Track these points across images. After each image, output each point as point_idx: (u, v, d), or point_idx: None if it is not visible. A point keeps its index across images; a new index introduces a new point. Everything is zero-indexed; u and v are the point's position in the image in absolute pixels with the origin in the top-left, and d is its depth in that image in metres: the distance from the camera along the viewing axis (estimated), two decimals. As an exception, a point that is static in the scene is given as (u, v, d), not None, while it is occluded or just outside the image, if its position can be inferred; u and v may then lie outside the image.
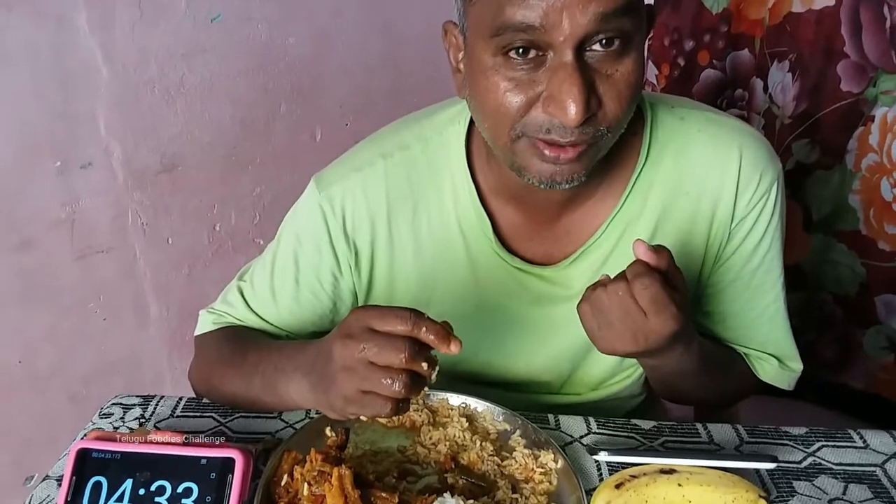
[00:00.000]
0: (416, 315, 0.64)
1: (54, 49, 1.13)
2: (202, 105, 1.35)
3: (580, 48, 0.65)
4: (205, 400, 0.89)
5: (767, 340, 0.91)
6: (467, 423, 0.80)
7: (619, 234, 0.84)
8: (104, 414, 0.87)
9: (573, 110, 0.64)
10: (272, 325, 0.91)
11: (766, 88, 1.75)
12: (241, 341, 0.88)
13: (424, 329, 0.64)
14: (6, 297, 1.18)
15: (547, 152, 0.70)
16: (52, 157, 1.17)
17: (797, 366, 0.92)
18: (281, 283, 0.90)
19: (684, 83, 1.88)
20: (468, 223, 0.85)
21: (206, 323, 0.93)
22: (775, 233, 0.86)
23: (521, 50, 0.66)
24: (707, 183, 0.83)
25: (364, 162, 0.85)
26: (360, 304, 0.91)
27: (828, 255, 1.75)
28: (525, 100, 0.68)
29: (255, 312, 0.91)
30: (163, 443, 0.73)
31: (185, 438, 0.74)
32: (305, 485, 0.66)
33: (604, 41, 0.65)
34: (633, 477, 0.70)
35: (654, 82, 2.01)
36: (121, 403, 0.89)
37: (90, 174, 1.23)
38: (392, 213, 0.85)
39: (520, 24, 0.63)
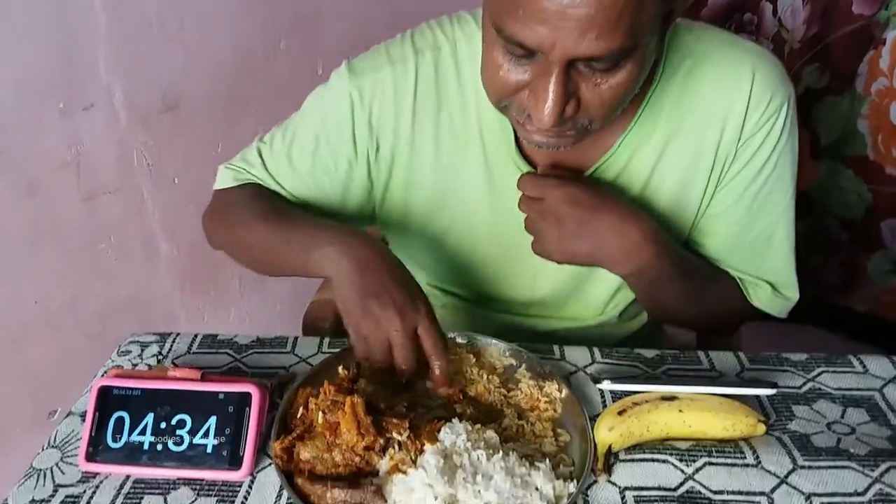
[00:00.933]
0: (443, 352, 0.74)
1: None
2: (202, 43, 1.33)
3: (571, 62, 0.66)
4: (219, 336, 0.91)
5: (763, 266, 0.92)
6: (475, 360, 0.81)
7: (630, 152, 0.85)
8: (122, 352, 0.90)
9: (546, 117, 0.68)
10: (285, 189, 0.92)
11: (775, 12, 1.71)
12: (275, 202, 0.90)
13: (438, 366, 0.74)
14: (18, 241, 1.20)
15: (533, 133, 0.74)
16: (54, 100, 1.17)
17: (792, 294, 0.93)
18: (298, 156, 0.91)
19: (693, 7, 1.83)
20: (490, 131, 0.86)
21: (226, 178, 0.96)
22: (781, 155, 0.85)
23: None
24: (718, 102, 0.83)
25: (397, 56, 0.86)
26: (374, 202, 0.94)
27: (835, 180, 1.75)
28: (514, 83, 0.71)
29: (271, 175, 0.93)
30: (181, 379, 0.76)
31: (203, 374, 0.77)
32: (320, 413, 0.69)
33: (594, 64, 0.67)
34: (636, 404, 0.73)
35: (662, 7, 1.97)
36: (138, 341, 0.91)
37: (93, 116, 1.22)
38: (417, 112, 0.86)
39: (515, 39, 0.66)
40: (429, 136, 0.87)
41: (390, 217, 0.95)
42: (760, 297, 0.93)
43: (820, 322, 1.82)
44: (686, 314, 0.92)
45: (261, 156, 0.94)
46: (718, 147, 0.84)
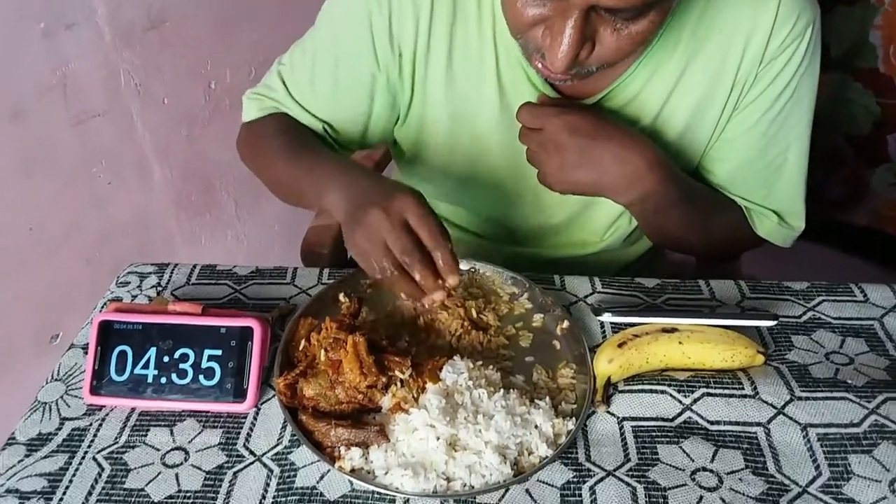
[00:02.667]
0: (442, 239, 0.69)
1: None
2: (186, -48, 1.27)
3: (593, 6, 0.63)
4: (219, 267, 0.90)
5: (771, 193, 0.91)
6: (479, 291, 0.81)
7: (649, 73, 0.82)
8: (121, 282, 0.89)
9: (559, 61, 0.66)
10: (311, 113, 0.91)
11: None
12: (296, 138, 0.89)
13: (440, 255, 0.68)
14: (9, 169, 1.17)
15: (542, 69, 0.72)
16: (34, 20, 1.11)
17: (798, 223, 0.92)
18: (321, 77, 0.90)
19: None
20: (505, 45, 0.83)
21: (251, 109, 0.94)
22: (802, 79, 0.83)
23: None
24: (742, 20, 0.79)
25: None
26: (397, 117, 0.92)
27: (843, 93, 1.71)
28: (531, 17, 0.68)
29: (294, 99, 0.91)
30: (182, 313, 0.76)
31: (204, 308, 0.77)
32: (322, 351, 0.69)
33: (619, 12, 0.64)
34: (636, 336, 0.73)
35: None
36: (136, 272, 0.91)
37: (76, 35, 1.17)
38: (434, 20, 0.83)
39: None
40: (443, 47, 0.84)
41: (408, 133, 0.93)
42: (766, 228, 0.92)
43: (818, 237, 1.82)
44: (689, 242, 0.91)
45: (283, 80, 0.92)
46: (739, 69, 0.81)
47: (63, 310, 1.33)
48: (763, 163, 0.88)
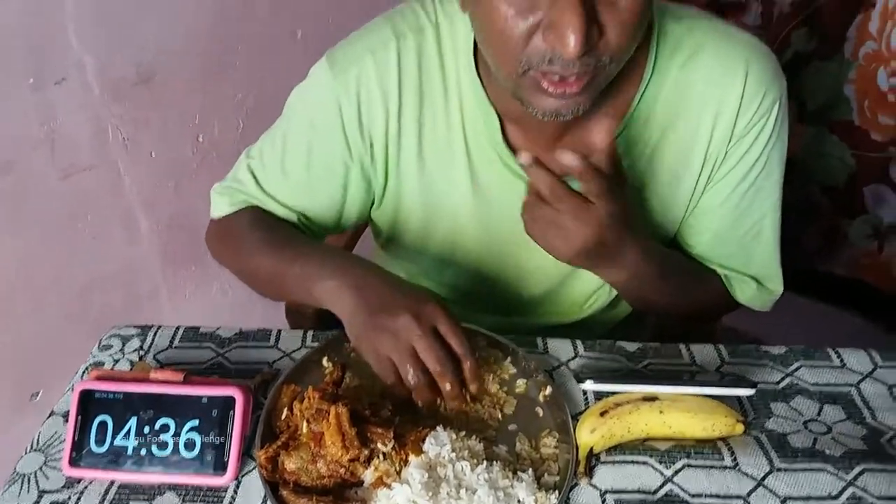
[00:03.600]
0: (471, 349, 0.70)
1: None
2: (176, 9, 1.28)
3: None
4: (202, 330, 0.90)
5: (749, 261, 0.92)
6: None
7: (625, 145, 0.83)
8: (103, 346, 0.89)
9: (572, 41, 0.63)
10: (283, 204, 0.90)
11: (765, -27, 1.68)
12: (273, 231, 0.87)
13: (469, 365, 0.70)
14: (-5, 221, 1.17)
15: (551, 89, 0.69)
16: (24, 74, 1.12)
17: (777, 287, 0.94)
18: (293, 166, 0.88)
19: (683, -34, 1.79)
20: (472, 125, 0.83)
21: (221, 204, 0.92)
22: (771, 154, 0.85)
23: None
24: (710, 98, 0.81)
25: (378, 43, 0.82)
26: (372, 202, 0.92)
27: (819, 146, 1.75)
28: (527, 28, 0.66)
29: (265, 192, 0.90)
30: (164, 381, 0.76)
31: (185, 376, 0.76)
32: (305, 423, 0.69)
33: None
34: (617, 405, 0.74)
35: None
36: (119, 335, 0.90)
37: (65, 90, 1.18)
38: (402, 102, 0.83)
39: None
40: (412, 131, 0.85)
41: (383, 216, 0.93)
42: (746, 294, 0.93)
43: (799, 288, 1.84)
44: (670, 310, 0.93)
45: (252, 173, 0.91)
46: (709, 146, 0.83)
47: (44, 366, 1.32)
48: (739, 233, 0.90)
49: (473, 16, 0.72)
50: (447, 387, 0.69)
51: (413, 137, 0.85)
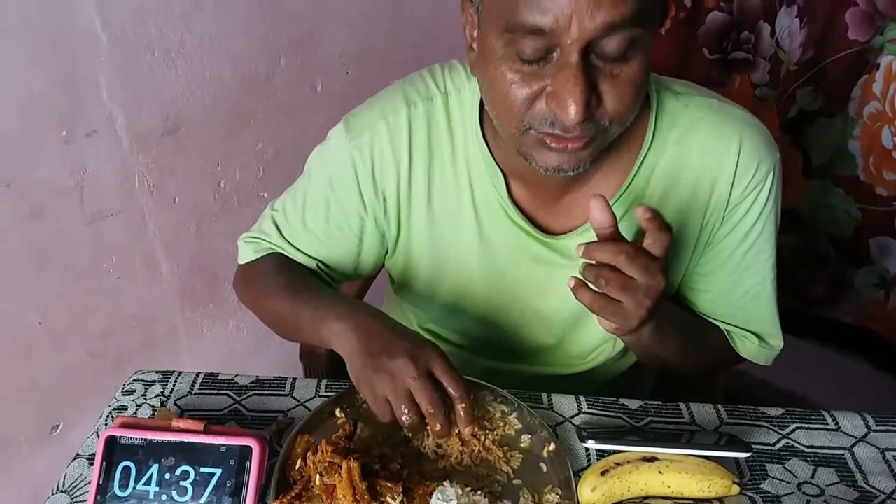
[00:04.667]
0: (465, 392, 0.74)
1: (52, 17, 1.12)
2: (202, 64, 1.35)
3: (586, 49, 0.67)
4: (220, 377, 0.94)
5: (750, 318, 0.96)
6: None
7: (621, 213, 0.87)
8: (126, 391, 0.93)
9: (573, 110, 0.68)
10: (304, 253, 0.97)
11: (773, 33, 1.72)
12: (293, 275, 0.94)
13: (462, 408, 0.74)
14: (22, 264, 1.22)
15: (554, 144, 0.73)
16: (58, 126, 1.18)
17: (777, 343, 0.97)
18: (312, 220, 0.95)
19: (690, 24, 1.85)
20: (480, 183, 0.88)
21: (247, 252, 1.00)
22: (768, 218, 0.89)
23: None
24: (706, 169, 0.85)
25: (390, 109, 0.89)
26: (386, 250, 0.98)
27: (825, 199, 1.78)
28: (530, 93, 0.71)
29: (288, 242, 0.97)
30: (185, 430, 0.79)
31: (205, 426, 0.80)
32: (317, 476, 0.73)
33: (610, 46, 0.67)
34: (618, 464, 0.77)
35: (660, 23, 1.98)
36: (141, 380, 0.94)
37: (96, 141, 1.24)
38: (413, 164, 0.89)
39: (531, 26, 0.66)
40: (422, 188, 0.90)
41: (396, 265, 0.99)
42: (748, 349, 0.97)
43: (804, 333, 1.87)
44: (678, 365, 0.96)
45: (276, 225, 0.98)
46: (706, 213, 0.87)
47: (65, 400, 1.37)
48: (739, 293, 0.93)
49: (481, 80, 0.78)
50: (437, 427, 0.73)
51: (423, 193, 0.90)
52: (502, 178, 0.87)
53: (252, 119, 1.48)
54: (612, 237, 0.75)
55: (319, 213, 0.95)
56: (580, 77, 0.67)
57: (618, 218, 0.85)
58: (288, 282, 0.93)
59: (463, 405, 0.74)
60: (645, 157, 0.85)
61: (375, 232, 0.95)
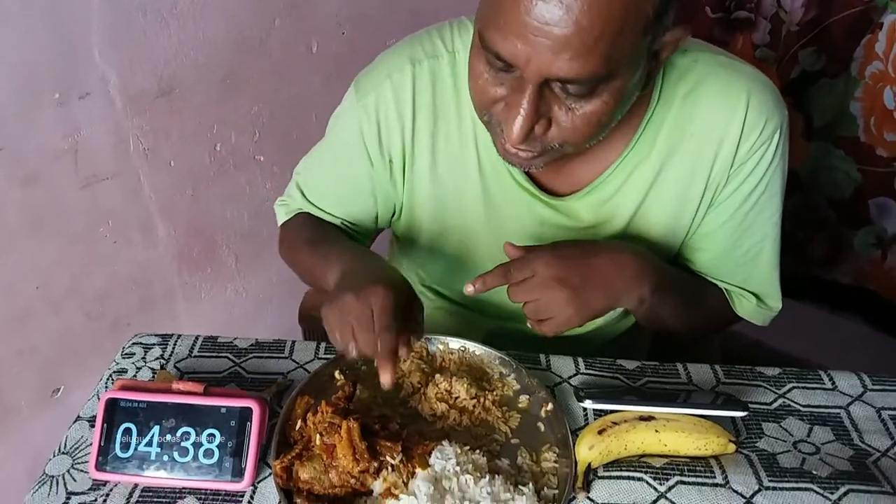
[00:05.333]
0: (385, 329, 0.71)
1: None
2: (195, 25, 1.32)
3: (545, 81, 0.68)
4: (220, 339, 0.94)
5: (749, 278, 0.96)
6: (467, 380, 0.84)
7: (626, 174, 0.87)
8: (126, 354, 0.93)
9: (514, 132, 0.70)
10: (327, 212, 1.00)
11: (774, -8, 1.70)
12: (318, 231, 0.98)
13: (381, 340, 0.71)
14: (19, 229, 1.21)
15: (505, 144, 0.76)
16: (50, 89, 1.17)
17: (775, 304, 0.97)
18: (329, 181, 0.99)
19: (691, -16, 1.82)
20: (485, 143, 0.88)
21: (281, 213, 1.05)
22: (772, 177, 0.88)
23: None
24: (713, 126, 0.85)
25: (395, 67, 0.88)
26: (396, 210, 0.99)
27: (825, 160, 1.77)
28: (494, 95, 0.73)
29: (312, 204, 1.01)
30: (185, 392, 0.80)
31: (206, 388, 0.81)
32: (318, 436, 0.73)
33: (569, 87, 0.68)
34: (615, 423, 0.77)
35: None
36: (141, 343, 0.94)
37: (89, 104, 1.22)
38: (416, 122, 0.89)
39: (494, 50, 0.68)
40: (426, 148, 0.90)
41: (400, 226, 1.01)
42: (745, 308, 0.97)
43: (803, 295, 1.88)
44: (678, 325, 0.96)
45: (300, 188, 1.02)
46: (711, 171, 0.86)
47: (64, 364, 1.37)
48: (740, 252, 0.93)
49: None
50: (352, 353, 0.73)
51: (427, 153, 0.90)
52: None
53: (247, 81, 1.46)
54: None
55: (334, 174, 0.98)
56: (529, 107, 0.69)
57: (621, 179, 0.87)
58: (311, 236, 0.97)
59: (382, 339, 0.71)
60: (652, 114, 0.84)
61: (385, 193, 0.96)
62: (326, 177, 1.00)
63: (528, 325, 0.83)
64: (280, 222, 1.06)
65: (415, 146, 0.90)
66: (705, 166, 0.87)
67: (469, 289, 0.80)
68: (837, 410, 0.84)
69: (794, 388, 0.87)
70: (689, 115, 0.85)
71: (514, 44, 0.65)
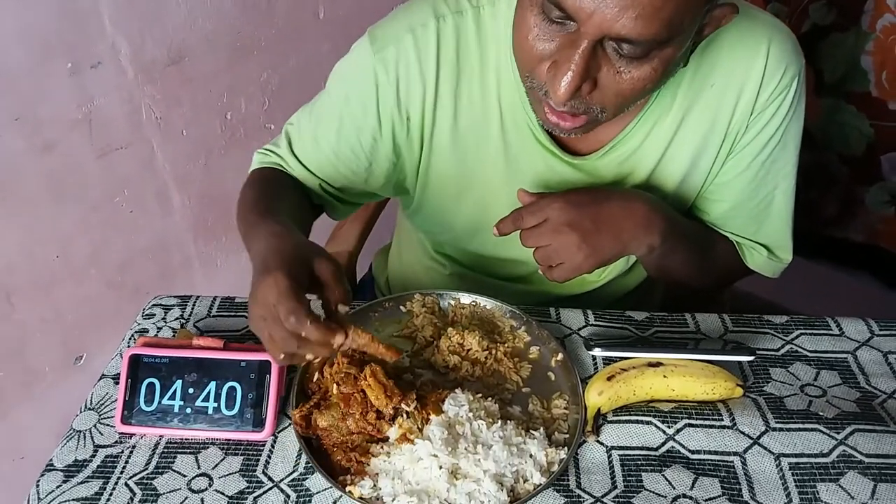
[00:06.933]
0: (288, 311, 0.65)
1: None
2: (203, -9, 1.33)
3: (602, 40, 0.67)
4: (237, 299, 0.97)
5: (761, 229, 0.96)
6: (478, 333, 0.85)
7: (648, 128, 0.87)
8: (146, 315, 0.95)
9: (562, 89, 0.69)
10: (309, 170, 0.94)
11: (785, -55, 1.68)
12: (269, 192, 0.91)
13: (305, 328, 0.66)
14: (38, 198, 1.24)
15: (548, 113, 0.75)
16: (62, 59, 1.18)
17: (786, 256, 0.98)
18: (324, 134, 0.93)
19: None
20: (508, 102, 0.87)
21: (255, 162, 0.99)
22: (789, 126, 0.88)
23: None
24: (733, 75, 0.85)
25: (417, 21, 0.85)
26: (400, 174, 0.95)
27: (837, 116, 1.76)
28: (543, 51, 0.71)
29: (296, 156, 0.95)
30: (205, 347, 0.82)
31: (225, 343, 0.83)
32: (335, 385, 0.75)
33: (625, 47, 0.67)
34: (623, 370, 0.79)
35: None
36: (161, 304, 0.97)
37: (101, 73, 1.24)
38: (440, 79, 0.86)
39: (557, 1, 0.65)
40: (448, 107, 0.88)
41: (413, 187, 0.97)
42: (756, 261, 0.98)
43: (814, 253, 1.88)
44: (688, 277, 0.97)
45: (288, 137, 0.96)
46: (731, 120, 0.87)
47: (87, 332, 1.40)
48: (754, 202, 0.93)
49: (515, 10, 0.76)
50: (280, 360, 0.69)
51: (449, 111, 0.88)
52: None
53: (255, 48, 1.47)
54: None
55: (332, 128, 0.92)
56: (580, 63, 0.67)
57: (642, 136, 0.87)
58: (256, 196, 0.88)
59: (292, 325, 0.66)
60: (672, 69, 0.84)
61: (389, 155, 0.92)
62: (322, 128, 0.92)
63: (539, 271, 0.84)
64: (250, 169, 0.98)
65: (437, 106, 0.88)
66: (725, 115, 0.87)
67: (495, 231, 0.83)
68: (844, 355, 0.85)
69: (801, 334, 0.88)
70: (710, 65, 0.85)
71: None
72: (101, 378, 0.87)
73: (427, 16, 0.85)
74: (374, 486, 0.69)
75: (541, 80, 0.72)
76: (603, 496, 0.70)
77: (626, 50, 0.67)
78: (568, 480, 0.72)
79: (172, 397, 0.80)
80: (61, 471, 0.75)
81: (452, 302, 0.92)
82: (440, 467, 0.68)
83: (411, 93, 0.87)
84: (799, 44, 0.87)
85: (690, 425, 0.76)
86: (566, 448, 0.73)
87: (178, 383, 0.80)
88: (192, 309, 0.96)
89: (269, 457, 0.76)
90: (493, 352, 0.84)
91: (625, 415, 0.78)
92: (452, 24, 0.85)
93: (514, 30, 0.74)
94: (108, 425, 0.80)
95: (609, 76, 0.70)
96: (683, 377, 0.78)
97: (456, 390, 0.77)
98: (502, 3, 0.84)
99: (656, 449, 0.75)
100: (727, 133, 0.88)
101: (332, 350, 0.68)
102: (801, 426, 0.76)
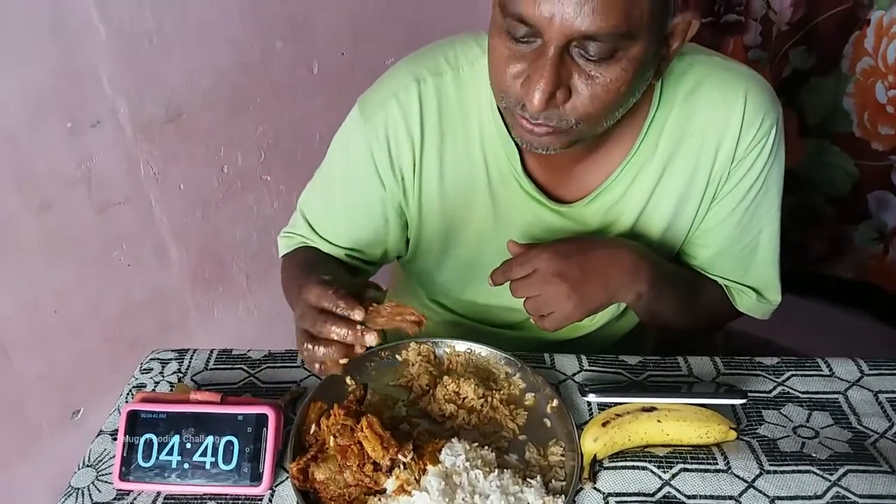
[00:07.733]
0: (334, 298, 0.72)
1: (51, 10, 1.15)
2: (200, 50, 1.36)
3: (567, 45, 0.70)
4: (234, 352, 0.98)
5: (748, 273, 0.98)
6: (474, 380, 0.86)
7: (632, 176, 0.90)
8: (144, 369, 0.96)
9: (535, 98, 0.71)
10: (332, 242, 1.00)
11: (763, -6, 1.73)
12: (305, 263, 0.98)
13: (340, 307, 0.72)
14: (36, 255, 1.26)
15: (524, 123, 0.77)
16: (62, 118, 1.21)
17: (775, 297, 1.00)
18: (337, 209, 0.98)
19: (681, -12, 1.85)
20: (493, 156, 0.90)
21: (283, 247, 1.05)
22: (770, 171, 0.91)
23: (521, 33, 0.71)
24: (713, 125, 0.88)
25: (400, 86, 0.90)
26: (411, 231, 0.99)
27: (822, 157, 1.79)
28: (514, 71, 0.74)
29: (316, 232, 1.00)
30: (203, 402, 0.83)
31: (222, 397, 0.84)
32: (332, 437, 0.76)
33: (592, 48, 0.70)
34: (618, 415, 0.80)
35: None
36: (158, 358, 0.98)
37: (100, 131, 1.26)
38: (424, 138, 0.90)
39: (518, 15, 0.69)
40: (433, 164, 0.91)
41: (410, 241, 1.01)
42: (745, 304, 0.99)
43: (807, 292, 1.89)
44: (678, 321, 0.98)
45: (305, 218, 1.01)
46: (713, 167, 0.89)
47: (84, 386, 1.41)
48: (739, 247, 0.95)
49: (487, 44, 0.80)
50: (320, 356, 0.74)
51: (435, 169, 0.92)
52: (516, 151, 0.89)
53: (251, 103, 1.50)
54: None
55: (342, 199, 0.97)
56: (551, 70, 0.70)
57: (627, 183, 0.90)
58: (298, 269, 0.96)
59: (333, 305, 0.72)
60: (653, 118, 0.87)
61: (397, 213, 0.97)
62: (333, 203, 0.98)
63: (531, 321, 0.86)
64: (281, 254, 1.05)
65: (423, 162, 0.91)
66: (707, 163, 0.89)
67: (490, 282, 0.86)
68: (835, 396, 0.86)
69: (792, 375, 0.89)
70: (690, 114, 0.88)
71: (538, 5, 0.67)
72: (98, 434, 0.87)
73: (408, 79, 0.89)
74: (373, 538, 0.69)
75: (517, 97, 0.75)
76: (601, 544, 0.70)
77: (593, 51, 0.70)
78: (566, 529, 0.72)
79: (170, 453, 0.80)
80: (59, 530, 0.75)
81: (448, 350, 0.93)
82: (438, 518, 0.68)
83: (401, 152, 0.91)
84: (776, 92, 0.91)
85: (686, 470, 0.77)
86: (563, 496, 0.73)
87: (176, 438, 0.81)
88: (190, 362, 0.97)
89: (267, 511, 0.76)
90: (489, 399, 0.85)
91: (620, 460, 0.79)
92: (433, 86, 0.89)
93: (488, 61, 0.77)
94: (106, 482, 0.80)
95: (581, 81, 0.72)
96: (678, 422, 0.79)
97: (453, 439, 0.77)
98: (480, 64, 0.88)
99: (652, 495, 0.75)
100: (709, 180, 0.91)
101: (357, 335, 0.71)
102: (794, 468, 0.76)
